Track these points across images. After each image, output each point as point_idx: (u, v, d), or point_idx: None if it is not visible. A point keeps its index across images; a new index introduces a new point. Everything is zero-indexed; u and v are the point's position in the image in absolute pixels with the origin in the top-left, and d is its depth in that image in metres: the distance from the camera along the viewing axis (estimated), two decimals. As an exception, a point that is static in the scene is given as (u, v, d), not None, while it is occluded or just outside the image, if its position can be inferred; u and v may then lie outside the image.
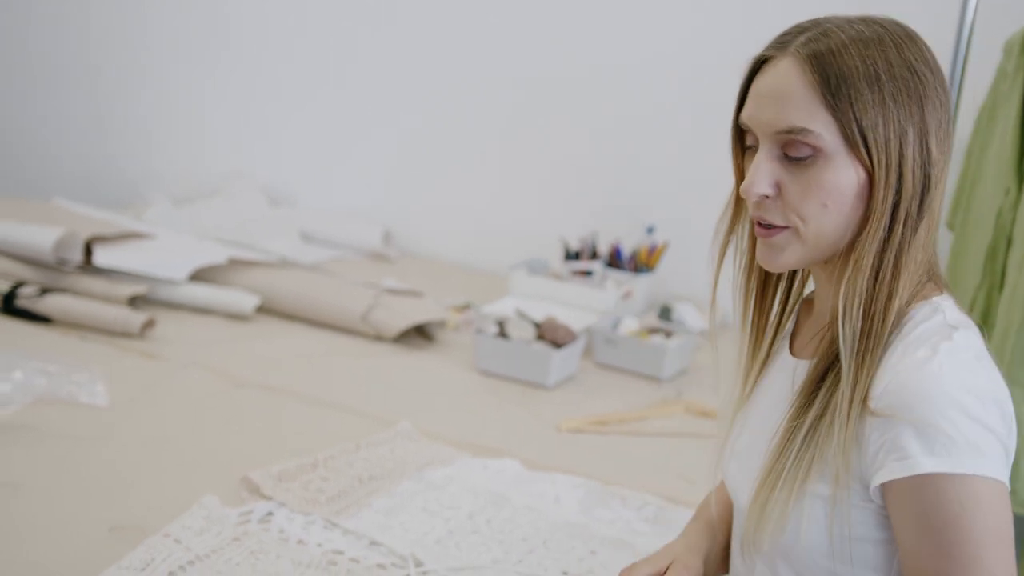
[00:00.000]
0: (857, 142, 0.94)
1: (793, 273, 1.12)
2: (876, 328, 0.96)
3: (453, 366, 2.21)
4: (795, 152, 0.96)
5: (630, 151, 2.74)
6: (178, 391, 1.97)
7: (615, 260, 2.61)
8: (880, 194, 0.95)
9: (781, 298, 1.13)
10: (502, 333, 2.16)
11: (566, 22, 2.76)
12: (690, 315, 2.44)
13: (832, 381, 0.98)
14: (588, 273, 2.55)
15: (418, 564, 1.44)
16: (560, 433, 1.91)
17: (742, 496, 1.07)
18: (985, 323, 1.92)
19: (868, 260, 0.96)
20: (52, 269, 2.36)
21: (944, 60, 1.70)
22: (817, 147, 0.94)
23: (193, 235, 2.76)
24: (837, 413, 0.95)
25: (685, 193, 2.62)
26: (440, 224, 3.02)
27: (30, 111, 3.56)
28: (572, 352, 2.15)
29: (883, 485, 0.93)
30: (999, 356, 1.78)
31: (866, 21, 0.98)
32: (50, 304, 2.25)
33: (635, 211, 2.70)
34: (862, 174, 0.95)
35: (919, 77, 0.96)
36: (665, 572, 1.14)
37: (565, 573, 1.45)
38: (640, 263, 2.59)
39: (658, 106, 2.69)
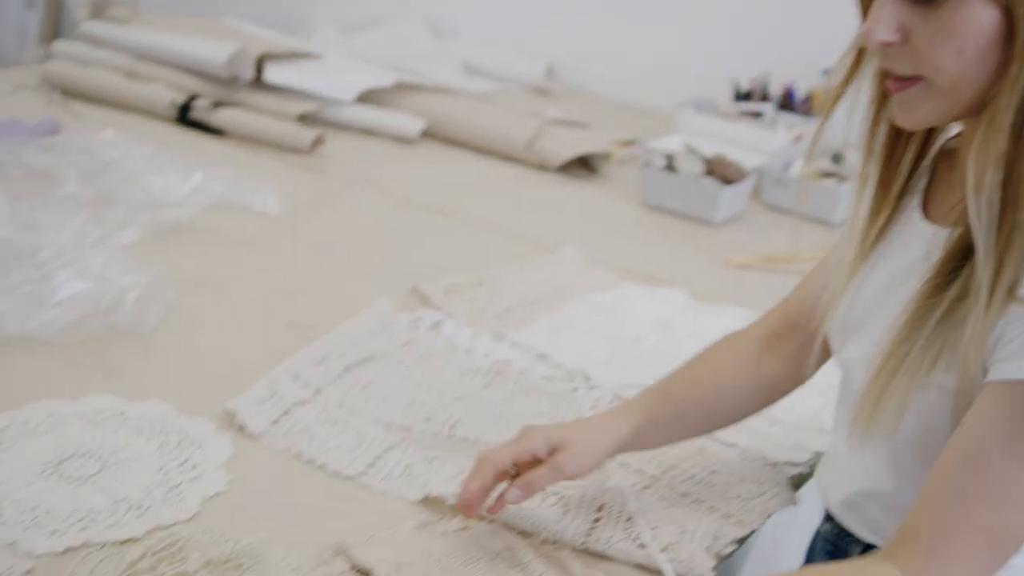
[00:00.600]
0: None
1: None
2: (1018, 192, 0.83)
3: (617, 199, 2.18)
4: None
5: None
6: (347, 207, 2.00)
7: (787, 102, 2.52)
8: (1022, 35, 0.81)
9: (915, 151, 0.99)
10: (670, 167, 2.11)
11: None
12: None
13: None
14: (758, 114, 2.47)
15: (586, 380, 1.44)
16: (728, 269, 1.88)
17: (858, 375, 0.98)
18: None
19: (1006, 117, 0.82)
20: (225, 83, 2.39)
21: None
22: None
23: (359, 60, 2.76)
24: (978, 296, 0.84)
25: (866, 36, 2.49)
26: (605, 60, 2.95)
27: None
28: (741, 189, 2.10)
29: (999, 382, 0.84)
30: None
31: None
32: (223, 117, 2.29)
33: (811, 53, 2.59)
34: (999, 14, 0.81)
35: None
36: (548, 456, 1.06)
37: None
38: (813, 107, 2.50)
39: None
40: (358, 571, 1.04)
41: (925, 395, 0.90)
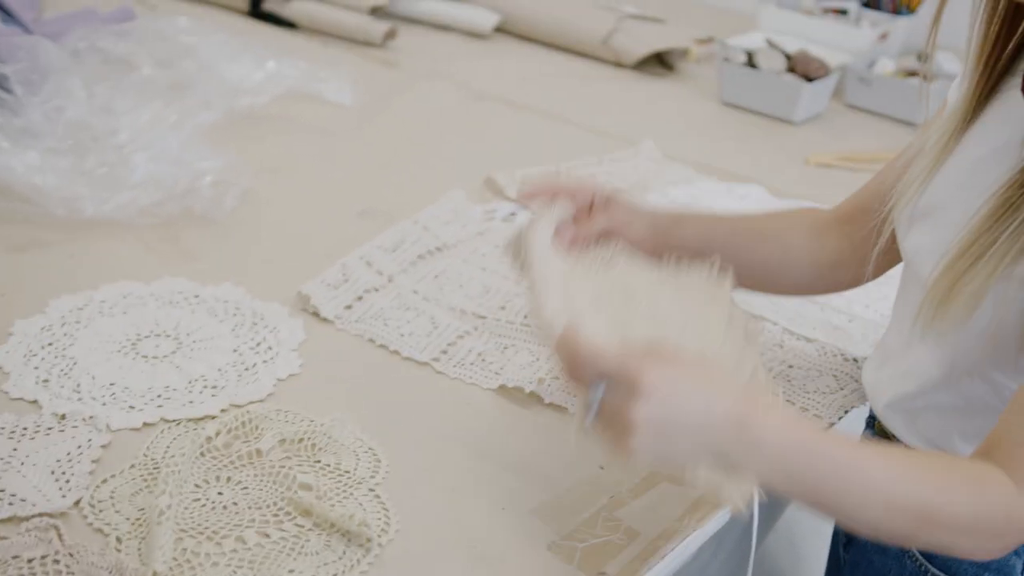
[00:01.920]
0: None
1: None
2: None
3: (696, 96, 2.13)
4: None
5: None
6: (420, 99, 1.98)
7: (873, 0, 2.43)
8: None
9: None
10: (751, 63, 2.05)
11: None
12: (949, 63, 2.27)
13: None
14: (843, 12, 2.38)
15: (663, 272, 1.42)
16: (808, 167, 1.83)
17: (925, 264, 0.93)
18: None
19: None
20: (297, -25, 2.36)
21: None
22: None
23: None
24: None
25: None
26: (685, -45, 2.87)
27: None
28: (824, 87, 2.04)
29: None
30: None
31: None
32: (295, 9, 2.26)
33: (900, -52, 2.49)
34: None
35: None
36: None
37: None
38: (900, 4, 2.41)
39: None
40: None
41: (1005, 287, 0.84)
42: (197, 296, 1.27)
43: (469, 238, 1.45)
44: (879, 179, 1.12)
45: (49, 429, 1.03)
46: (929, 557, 1.01)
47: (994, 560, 0.97)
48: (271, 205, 1.52)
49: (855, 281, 1.15)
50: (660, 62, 2.29)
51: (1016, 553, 0.97)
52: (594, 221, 1.09)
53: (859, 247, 1.10)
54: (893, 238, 1.03)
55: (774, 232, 1.14)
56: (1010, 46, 0.93)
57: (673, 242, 1.10)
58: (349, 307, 1.28)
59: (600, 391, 0.80)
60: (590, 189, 1.10)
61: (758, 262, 1.13)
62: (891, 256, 1.07)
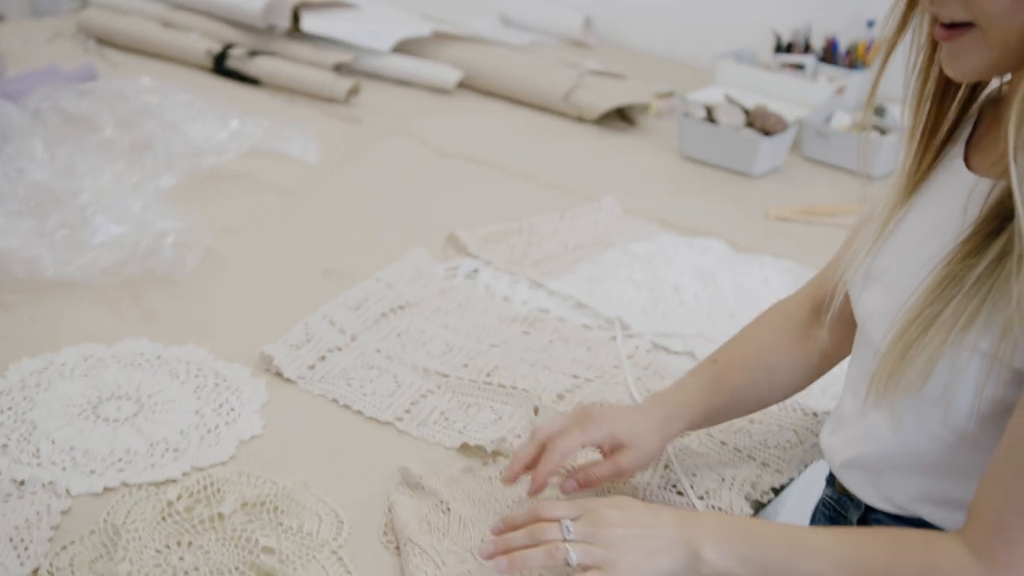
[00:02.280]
0: None
1: None
2: None
3: (656, 150, 2.15)
4: None
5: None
6: (383, 155, 1.99)
7: (830, 55, 2.47)
8: None
9: (962, 100, 0.94)
10: (710, 118, 2.08)
11: None
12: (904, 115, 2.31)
13: None
14: (800, 67, 2.43)
15: (624, 328, 1.43)
16: (767, 220, 1.86)
17: (876, 329, 0.94)
18: None
19: None
20: (261, 33, 2.38)
21: None
22: None
23: (396, 9, 2.74)
24: (1020, 260, 0.79)
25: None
26: (642, 12, 2.91)
27: None
28: (782, 141, 2.07)
29: None
30: None
31: None
32: (259, 66, 2.28)
33: (854, 4, 2.54)
34: None
35: None
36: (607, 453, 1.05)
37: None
38: (857, 59, 2.45)
39: None
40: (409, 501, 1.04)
41: (955, 355, 0.84)
42: (159, 357, 1.27)
43: (432, 296, 1.46)
44: (839, 257, 1.12)
45: (7, 495, 1.03)
46: None
47: None
48: (234, 265, 1.52)
49: (839, 360, 1.16)
50: (621, 117, 2.32)
51: None
52: (600, 468, 1.06)
53: (831, 334, 1.11)
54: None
55: (757, 361, 1.13)
56: (948, 117, 0.95)
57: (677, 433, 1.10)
58: (312, 367, 1.28)
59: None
60: (578, 437, 1.04)
61: (754, 397, 1.14)
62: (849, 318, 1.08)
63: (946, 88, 0.94)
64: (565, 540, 0.91)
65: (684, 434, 1.14)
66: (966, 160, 0.93)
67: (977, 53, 0.83)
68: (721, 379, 1.12)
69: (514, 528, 0.95)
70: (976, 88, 0.95)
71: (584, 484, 1.04)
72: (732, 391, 1.11)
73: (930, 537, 0.87)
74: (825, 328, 1.11)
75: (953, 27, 0.83)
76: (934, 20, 0.86)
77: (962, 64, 0.84)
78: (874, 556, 0.87)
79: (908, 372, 0.86)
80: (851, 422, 1.02)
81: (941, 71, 0.91)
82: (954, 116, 0.95)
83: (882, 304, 0.95)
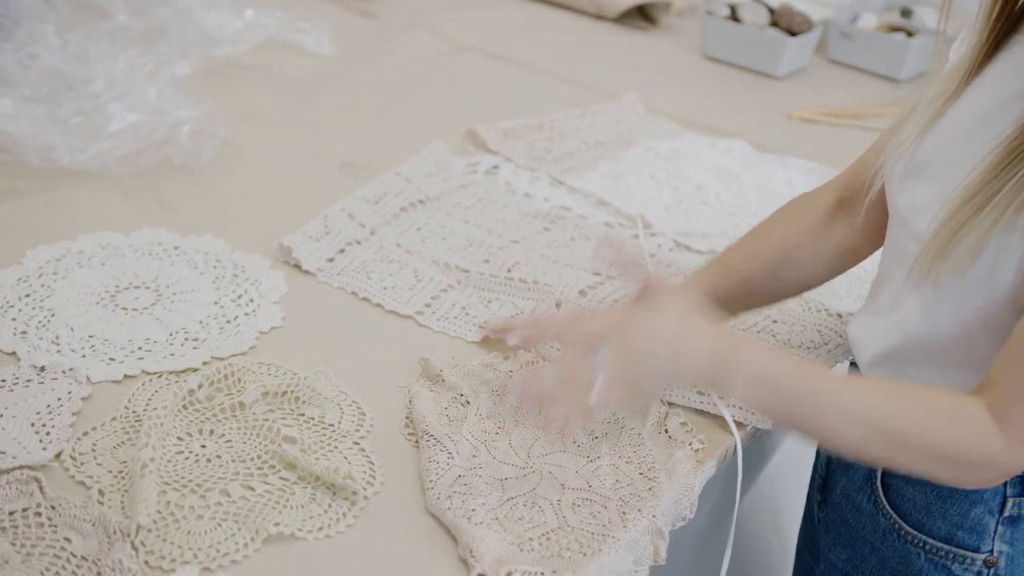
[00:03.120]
0: None
1: None
2: None
3: (678, 50, 2.11)
4: None
5: None
6: (401, 50, 1.95)
7: (857, -46, 2.41)
8: None
9: None
10: (734, 16, 2.04)
11: None
12: (932, 19, 2.26)
13: None
14: (826, -35, 2.37)
15: (646, 226, 1.41)
16: (791, 121, 1.82)
17: (920, 218, 0.92)
18: None
19: None
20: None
21: None
22: None
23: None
24: None
25: None
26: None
27: None
28: (807, 41, 2.02)
29: None
30: None
31: None
32: (273, -44, 2.23)
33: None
34: None
35: None
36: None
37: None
38: (884, -41, 2.39)
39: None
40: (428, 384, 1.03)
41: (1006, 237, 0.83)
42: (176, 248, 1.26)
43: (452, 191, 1.44)
44: (873, 152, 1.10)
45: (28, 381, 1.02)
46: (902, 514, 1.02)
47: (967, 518, 0.97)
48: (251, 155, 1.49)
49: (870, 254, 1.14)
50: (642, 15, 2.26)
51: (990, 511, 0.97)
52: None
53: (863, 228, 1.10)
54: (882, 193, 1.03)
55: (772, 250, 1.12)
56: (1019, 3, 0.91)
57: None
58: (331, 260, 1.26)
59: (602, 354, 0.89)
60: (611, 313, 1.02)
61: (769, 287, 1.13)
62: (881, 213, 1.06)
63: None
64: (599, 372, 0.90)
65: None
66: None
67: None
68: (730, 267, 1.11)
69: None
70: None
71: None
72: (743, 277, 1.10)
73: (957, 401, 0.87)
74: (852, 222, 1.10)
75: None
76: None
77: None
78: (905, 420, 0.86)
79: (957, 251, 0.85)
80: (883, 313, 1.01)
81: None
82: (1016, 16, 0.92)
83: (930, 193, 0.93)
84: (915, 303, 0.94)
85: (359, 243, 1.30)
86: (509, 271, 1.27)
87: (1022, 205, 0.82)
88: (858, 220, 1.09)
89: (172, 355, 1.08)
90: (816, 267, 1.13)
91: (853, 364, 1.13)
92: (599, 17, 2.24)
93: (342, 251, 1.28)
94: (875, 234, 1.09)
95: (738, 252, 1.13)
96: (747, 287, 1.11)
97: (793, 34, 2.00)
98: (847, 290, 1.28)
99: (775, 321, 1.22)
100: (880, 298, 1.03)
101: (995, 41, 0.93)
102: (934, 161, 0.94)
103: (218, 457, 0.95)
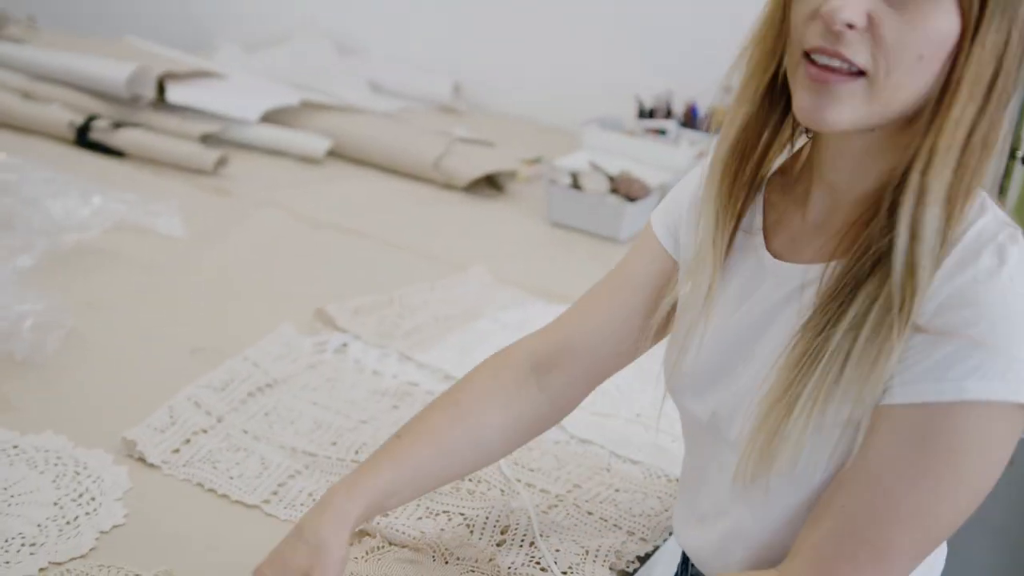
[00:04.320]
0: None
1: (768, 146, 0.95)
2: (953, 226, 0.81)
3: (524, 217, 2.19)
4: None
5: (706, 8, 2.66)
6: (252, 227, 1.98)
7: (690, 120, 2.55)
8: (982, 52, 0.78)
9: (747, 181, 0.95)
10: (576, 185, 2.13)
11: None
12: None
13: (874, 286, 0.82)
14: (662, 132, 2.50)
15: (492, 399, 1.44)
16: (632, 285, 1.90)
17: (729, 424, 0.95)
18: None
19: (959, 135, 0.79)
20: (125, 104, 2.36)
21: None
22: None
23: (264, 79, 2.74)
24: (878, 328, 0.81)
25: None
26: (510, 78, 2.97)
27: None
28: (646, 207, 2.12)
29: (898, 405, 0.82)
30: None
31: None
32: (124, 138, 2.25)
33: (712, 70, 2.63)
34: (959, 25, 0.78)
35: None
36: None
37: (638, 415, 1.45)
38: (716, 124, 2.53)
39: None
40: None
41: (817, 435, 0.86)
42: (16, 447, 1.24)
43: (301, 372, 1.46)
44: (572, 318, 1.12)
45: None
46: None
47: None
48: (97, 346, 1.49)
49: (555, 423, 1.14)
50: (490, 183, 2.35)
51: None
52: None
53: (558, 398, 1.10)
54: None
55: (460, 421, 1.07)
56: (739, 199, 0.96)
57: (388, 508, 1.06)
58: (177, 451, 1.26)
59: None
60: None
61: (458, 467, 1.09)
62: (587, 386, 1.11)
63: (740, 158, 0.95)
64: None
65: (369, 520, 1.10)
66: (769, 247, 0.95)
67: (857, 101, 0.81)
68: (405, 454, 1.05)
69: None
70: (759, 169, 0.96)
71: None
72: (418, 465, 1.05)
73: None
74: (545, 391, 1.10)
75: (843, 72, 0.81)
76: (816, 54, 0.82)
77: (837, 108, 0.82)
78: None
79: (778, 457, 0.86)
80: (711, 520, 1.01)
81: (755, 131, 0.94)
82: (743, 197, 0.96)
83: (730, 397, 0.95)
84: (745, 508, 0.96)
85: (205, 432, 1.30)
86: (357, 452, 1.29)
87: (824, 403, 0.84)
88: (554, 387, 1.10)
89: (7, 563, 1.06)
90: (503, 439, 1.10)
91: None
92: (449, 187, 2.31)
93: (188, 441, 1.28)
94: (564, 406, 1.11)
95: (409, 438, 1.07)
96: (422, 473, 1.06)
97: (632, 200, 2.10)
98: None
99: (617, 490, 1.26)
100: (702, 503, 1.03)
101: (727, 240, 0.96)
102: (722, 367, 0.97)
103: (54, 671, 0.93)
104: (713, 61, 2.59)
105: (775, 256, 0.94)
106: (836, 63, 0.81)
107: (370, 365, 1.50)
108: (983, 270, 0.80)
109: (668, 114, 2.56)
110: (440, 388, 1.45)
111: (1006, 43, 0.80)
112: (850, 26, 0.79)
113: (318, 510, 1.01)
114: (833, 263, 0.87)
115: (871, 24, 0.79)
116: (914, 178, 0.81)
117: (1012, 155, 1.75)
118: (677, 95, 2.63)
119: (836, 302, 0.85)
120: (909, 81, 0.80)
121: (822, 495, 0.88)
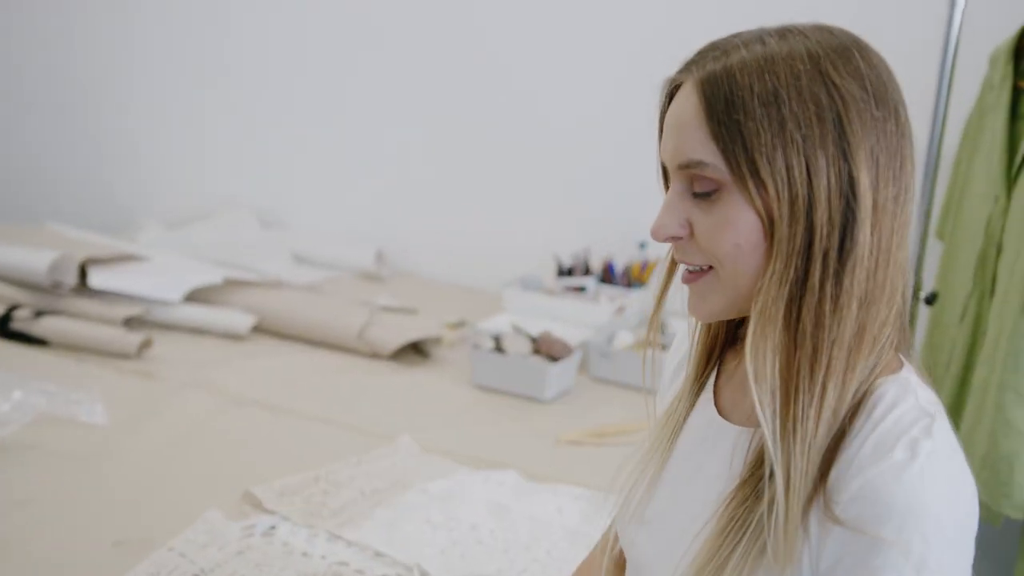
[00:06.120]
0: (745, 175, 0.82)
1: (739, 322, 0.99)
2: (813, 401, 0.82)
3: (450, 382, 2.22)
4: (699, 187, 0.85)
5: (620, 167, 2.76)
6: (177, 410, 1.98)
7: (608, 276, 2.63)
8: (782, 231, 0.82)
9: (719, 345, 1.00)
10: (498, 348, 2.17)
11: (552, 44, 2.78)
12: (684, 329, 2.45)
13: None
14: (582, 289, 2.56)
15: (423, 574, 1.45)
16: (559, 446, 1.92)
17: (657, 569, 0.95)
18: (977, 329, 1.94)
19: (776, 309, 0.82)
20: (47, 292, 2.37)
21: (931, 71, 1.75)
22: (719, 180, 0.83)
23: (187, 257, 2.77)
24: (775, 499, 0.82)
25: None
26: (432, 243, 3.04)
27: (22, 135, 3.56)
28: (568, 366, 2.16)
29: None
30: (990, 362, 1.80)
31: (786, 33, 0.85)
32: (46, 326, 2.25)
33: (626, 226, 2.72)
34: (756, 218, 0.83)
35: (840, 95, 0.81)
36: None
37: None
38: (633, 279, 2.61)
39: (649, 121, 2.71)
40: None
41: None
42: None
43: (228, 559, 1.45)
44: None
45: None
46: None
47: None
48: (18, 544, 1.47)
49: None
50: (415, 350, 2.38)
51: None
52: None
53: None
54: None
55: None
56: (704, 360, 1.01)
57: None
58: (103, 651, 1.24)
59: None
60: None
61: None
62: None
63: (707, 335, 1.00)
64: None
65: None
66: (718, 406, 0.97)
67: (716, 293, 0.87)
68: None
69: None
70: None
71: None
72: None
73: None
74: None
75: (694, 272, 0.88)
76: (681, 265, 0.90)
77: (704, 304, 0.88)
78: None
79: None
80: None
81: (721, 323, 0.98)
82: (706, 363, 1.00)
83: (660, 548, 0.97)
84: None
85: (132, 629, 1.28)
86: (288, 640, 1.28)
87: (755, 564, 0.83)
88: None
89: None
90: None
91: None
92: (374, 356, 2.33)
93: (114, 640, 1.26)
94: None
95: None
96: None
97: (555, 360, 2.14)
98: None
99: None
100: None
101: (696, 393, 1.01)
102: (661, 516, 0.99)
103: None
104: (626, 217, 2.71)
105: (720, 412, 0.97)
106: (689, 266, 0.88)
107: (299, 546, 1.50)
108: (894, 465, 0.79)
109: (586, 271, 2.63)
110: (371, 566, 1.46)
111: (809, 218, 0.82)
112: (676, 238, 0.87)
113: None
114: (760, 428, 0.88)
115: (691, 230, 0.87)
116: (747, 345, 0.84)
117: (915, 296, 1.82)
118: (594, 251, 2.71)
119: (760, 468, 0.85)
120: (742, 266, 0.84)
121: None
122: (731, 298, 0.87)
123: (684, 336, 1.06)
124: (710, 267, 0.87)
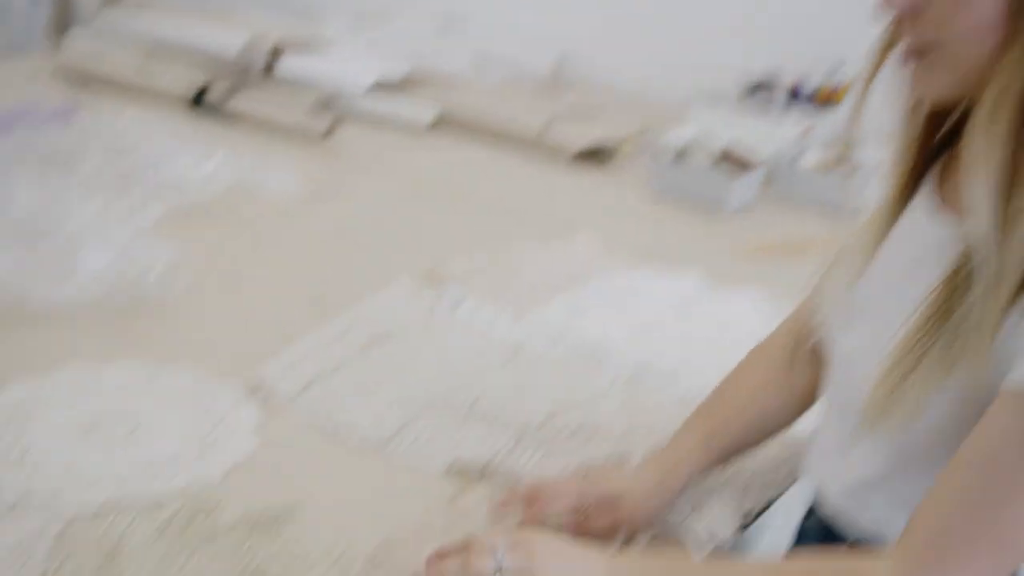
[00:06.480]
0: None
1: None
2: None
3: (629, 189, 2.19)
4: None
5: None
6: (362, 191, 2.02)
7: (796, 96, 2.53)
8: None
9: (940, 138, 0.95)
10: (681, 157, 2.13)
11: None
12: (873, 151, 2.37)
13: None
14: (769, 106, 2.48)
15: (605, 358, 1.46)
16: (740, 255, 1.89)
17: (859, 365, 0.94)
18: None
19: (1013, 95, 0.79)
20: (238, 72, 2.41)
21: None
22: None
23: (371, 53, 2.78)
24: (984, 291, 0.80)
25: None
26: (615, 51, 2.96)
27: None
28: (752, 180, 2.11)
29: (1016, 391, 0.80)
30: None
31: None
32: (237, 105, 2.31)
33: (819, 47, 2.61)
34: None
35: None
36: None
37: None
38: (823, 99, 2.51)
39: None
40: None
41: (943, 392, 0.85)
42: (148, 382, 1.28)
43: (416, 325, 1.48)
44: (813, 297, 1.11)
45: (1, 517, 1.03)
46: None
47: None
48: (219, 294, 1.54)
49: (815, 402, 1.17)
50: (594, 155, 2.35)
51: None
52: (595, 522, 1.07)
53: (820, 369, 1.12)
54: None
55: (749, 408, 1.15)
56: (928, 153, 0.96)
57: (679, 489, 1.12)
58: (300, 392, 1.30)
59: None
60: (572, 492, 1.08)
61: (751, 442, 1.16)
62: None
63: (928, 125, 0.95)
64: (497, 572, 0.92)
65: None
66: (940, 198, 0.94)
67: (942, 72, 0.84)
68: (715, 435, 1.13)
69: (448, 557, 0.96)
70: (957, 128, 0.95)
71: (576, 533, 1.05)
72: (728, 446, 1.13)
73: (852, 562, 0.89)
74: (811, 366, 1.12)
75: (919, 50, 0.85)
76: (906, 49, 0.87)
77: (929, 83, 0.86)
78: None
79: (899, 410, 0.86)
80: (840, 452, 1.01)
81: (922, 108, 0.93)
82: (932, 154, 0.96)
83: (865, 341, 0.95)
84: (874, 442, 0.95)
85: (326, 376, 1.33)
86: (471, 406, 1.31)
87: (952, 364, 0.83)
88: (816, 363, 1.12)
89: (146, 487, 1.10)
90: (789, 415, 1.16)
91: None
92: (553, 157, 2.32)
93: (309, 385, 1.31)
94: (821, 375, 1.12)
95: (716, 415, 1.15)
96: (731, 449, 1.15)
97: (738, 172, 2.09)
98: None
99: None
100: (831, 435, 1.04)
101: (909, 188, 0.97)
102: (868, 308, 0.97)
103: (193, 588, 0.97)
104: (819, 38, 2.59)
105: (942, 204, 0.93)
106: (915, 43, 0.85)
107: (481, 323, 1.52)
108: None
109: (775, 89, 2.54)
110: (552, 346, 1.47)
111: None
112: (907, 11, 0.83)
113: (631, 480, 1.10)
114: None
115: (926, 3, 0.82)
116: (974, 133, 0.81)
117: None
118: (784, 71, 2.62)
119: (968, 267, 0.83)
120: (975, 40, 0.81)
121: (940, 472, 0.86)
122: (959, 76, 0.83)
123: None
124: (935, 44, 0.83)
